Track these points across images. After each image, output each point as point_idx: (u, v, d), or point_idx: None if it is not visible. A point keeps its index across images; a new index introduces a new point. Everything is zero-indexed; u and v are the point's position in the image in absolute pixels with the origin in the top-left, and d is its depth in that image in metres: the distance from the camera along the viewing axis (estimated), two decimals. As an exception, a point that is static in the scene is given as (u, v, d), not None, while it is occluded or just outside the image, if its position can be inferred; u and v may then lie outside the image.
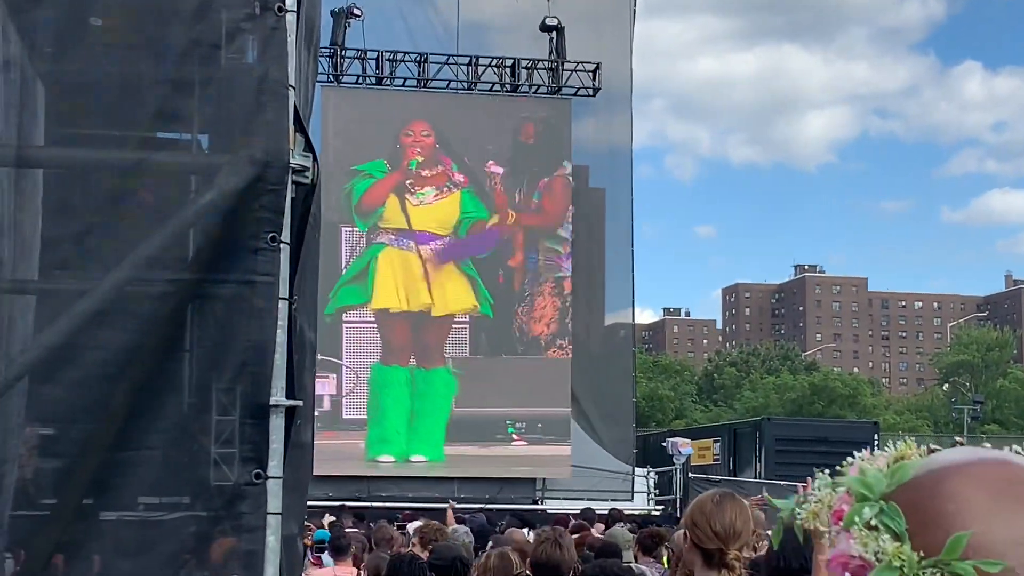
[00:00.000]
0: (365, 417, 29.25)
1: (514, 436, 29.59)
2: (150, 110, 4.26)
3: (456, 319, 29.83)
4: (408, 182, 30.05)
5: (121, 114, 4.30)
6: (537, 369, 29.89)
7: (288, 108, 4.17)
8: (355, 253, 29.77)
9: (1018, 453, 1.31)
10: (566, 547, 6.56)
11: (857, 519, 1.24)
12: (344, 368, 29.27)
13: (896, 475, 1.28)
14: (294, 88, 4.19)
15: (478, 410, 29.25)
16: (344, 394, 29.29)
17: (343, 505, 22.65)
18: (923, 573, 1.20)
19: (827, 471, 1.37)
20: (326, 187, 24.71)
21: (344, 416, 29.19)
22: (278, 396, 4.04)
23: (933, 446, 1.36)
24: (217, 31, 4.23)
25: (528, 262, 30.40)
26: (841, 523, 1.27)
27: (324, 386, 28.54)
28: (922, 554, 1.20)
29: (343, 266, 29.60)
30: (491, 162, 30.46)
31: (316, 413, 25.47)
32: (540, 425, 29.64)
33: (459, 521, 14.70)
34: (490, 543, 10.39)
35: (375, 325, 29.55)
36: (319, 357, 27.36)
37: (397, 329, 29.59)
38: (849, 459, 1.34)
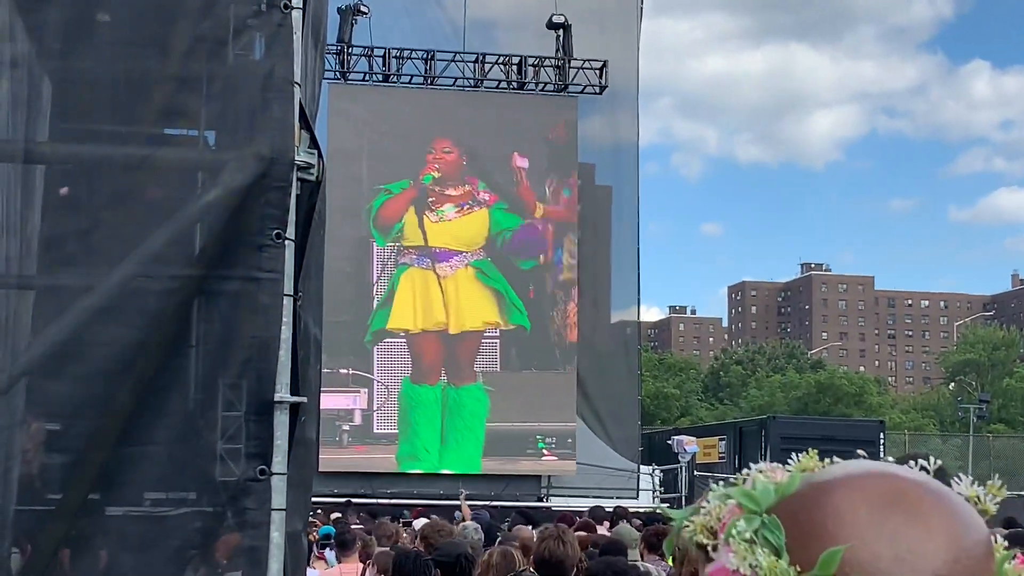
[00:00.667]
0: (396, 431, 29.40)
1: (544, 451, 29.62)
2: (156, 107, 4.27)
3: (487, 334, 29.86)
4: (429, 200, 30.13)
5: (127, 111, 4.31)
6: (567, 380, 30.05)
7: (294, 105, 4.17)
8: (385, 270, 29.87)
9: (911, 466, 1.28)
10: (569, 543, 6.57)
11: (735, 532, 1.21)
12: (375, 383, 29.38)
13: (783, 488, 1.24)
14: (300, 85, 4.20)
15: (509, 425, 29.35)
16: (375, 408, 29.39)
17: (348, 501, 22.69)
18: None
19: (721, 483, 1.34)
20: (352, 199, 24.80)
21: (375, 431, 29.33)
22: (282, 393, 4.05)
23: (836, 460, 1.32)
24: (223, 28, 4.24)
25: (555, 256, 30.46)
26: (723, 535, 1.23)
27: (355, 400, 28.78)
28: (798, 569, 1.17)
29: (372, 280, 29.72)
30: (515, 153, 30.46)
31: (347, 427, 25.69)
32: (570, 440, 29.72)
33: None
34: (498, 540, 10.41)
35: (404, 342, 29.65)
36: (350, 372, 27.48)
37: (424, 347, 29.65)
38: (746, 471, 1.30)
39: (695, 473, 31.00)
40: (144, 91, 4.25)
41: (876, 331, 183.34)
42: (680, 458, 31.29)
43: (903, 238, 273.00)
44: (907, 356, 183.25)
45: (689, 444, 31.81)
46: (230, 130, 4.34)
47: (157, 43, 4.24)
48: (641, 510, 25.03)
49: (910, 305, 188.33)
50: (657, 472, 31.74)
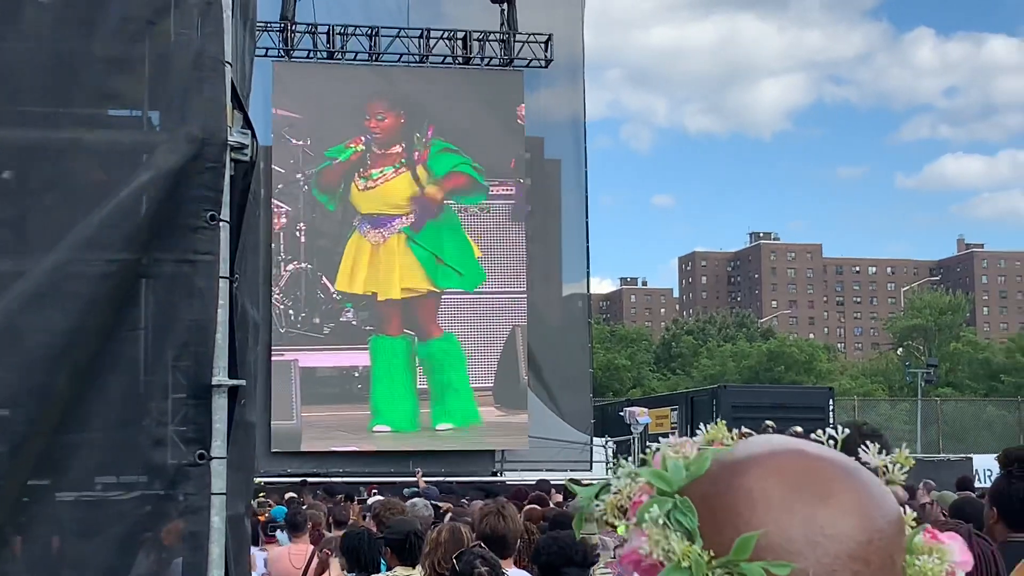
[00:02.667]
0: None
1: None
2: (85, 89, 4.21)
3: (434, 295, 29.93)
4: (360, 169, 30.08)
5: (56, 94, 4.25)
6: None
7: (225, 85, 4.13)
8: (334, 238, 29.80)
9: (816, 440, 1.27)
10: (510, 517, 6.61)
11: (647, 515, 1.18)
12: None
13: (694, 466, 1.22)
14: (231, 64, 4.15)
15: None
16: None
17: (304, 481, 22.64)
18: (712, 574, 1.15)
19: (629, 459, 1.31)
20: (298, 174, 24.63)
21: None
22: (220, 376, 4.02)
23: (745, 430, 1.30)
24: (152, 7, 4.18)
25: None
26: (635, 518, 1.21)
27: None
28: (712, 554, 1.15)
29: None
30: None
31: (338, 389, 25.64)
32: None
33: (418, 493, 14.71)
34: (448, 516, 10.42)
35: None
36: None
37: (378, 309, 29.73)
38: (655, 446, 1.27)
39: (648, 444, 31.09)
40: (72, 73, 4.19)
41: (825, 298, 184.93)
42: (633, 429, 31.42)
43: (851, 206, 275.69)
44: (855, 322, 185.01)
45: (641, 415, 31.94)
46: (161, 111, 4.29)
47: (84, 23, 4.18)
48: (595, 482, 25.15)
49: (858, 272, 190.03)
50: (610, 444, 31.88)
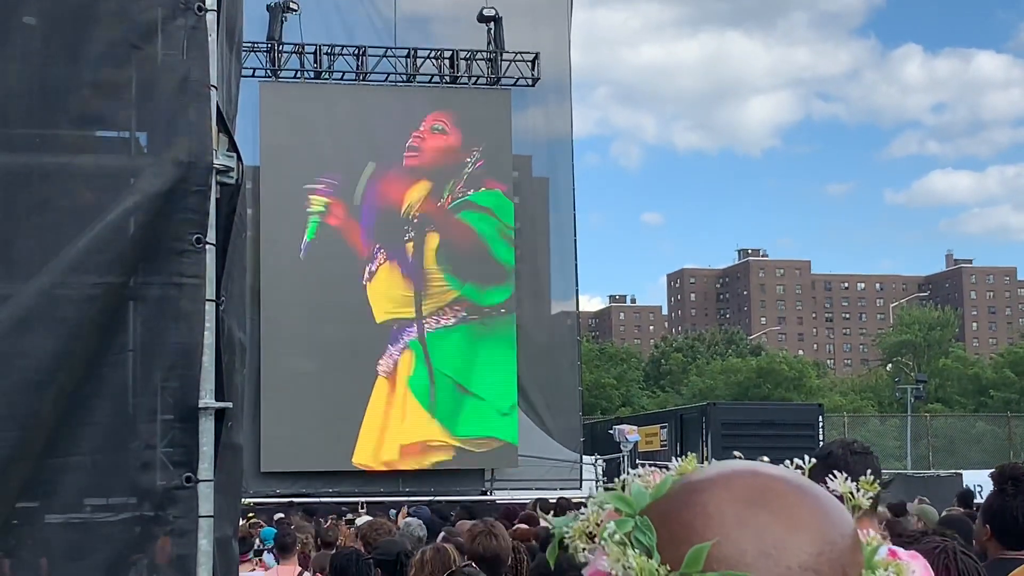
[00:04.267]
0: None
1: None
2: (71, 113, 4.22)
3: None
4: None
5: (43, 118, 4.26)
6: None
7: (211, 108, 4.14)
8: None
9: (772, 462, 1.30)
10: (500, 537, 6.61)
11: (607, 535, 1.23)
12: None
13: (656, 490, 1.27)
14: (216, 88, 4.16)
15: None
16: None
17: (291, 503, 22.62)
18: None
19: (601, 487, 1.34)
20: (288, 196, 24.62)
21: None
22: (207, 399, 4.02)
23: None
24: (138, 32, 4.19)
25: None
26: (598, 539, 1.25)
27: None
28: (668, 568, 1.19)
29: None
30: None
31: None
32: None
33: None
34: (441, 535, 10.41)
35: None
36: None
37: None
38: (624, 476, 1.32)
39: (637, 462, 31.08)
40: (59, 97, 4.20)
41: (814, 315, 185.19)
42: (622, 447, 31.43)
43: (840, 222, 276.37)
44: (845, 339, 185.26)
45: (631, 433, 31.96)
46: (147, 135, 4.30)
47: (70, 48, 4.19)
48: (585, 500, 25.15)
49: (846, 288, 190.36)
50: (600, 462, 31.87)
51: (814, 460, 1.34)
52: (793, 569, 1.18)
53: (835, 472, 1.35)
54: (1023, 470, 5.15)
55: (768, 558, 1.18)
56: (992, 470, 5.36)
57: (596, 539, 1.27)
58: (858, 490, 1.34)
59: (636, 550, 1.21)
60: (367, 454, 28.98)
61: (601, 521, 1.28)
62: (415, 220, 30.15)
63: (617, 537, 1.22)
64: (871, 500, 1.33)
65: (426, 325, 29.88)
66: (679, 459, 1.34)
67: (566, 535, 1.31)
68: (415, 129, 30.34)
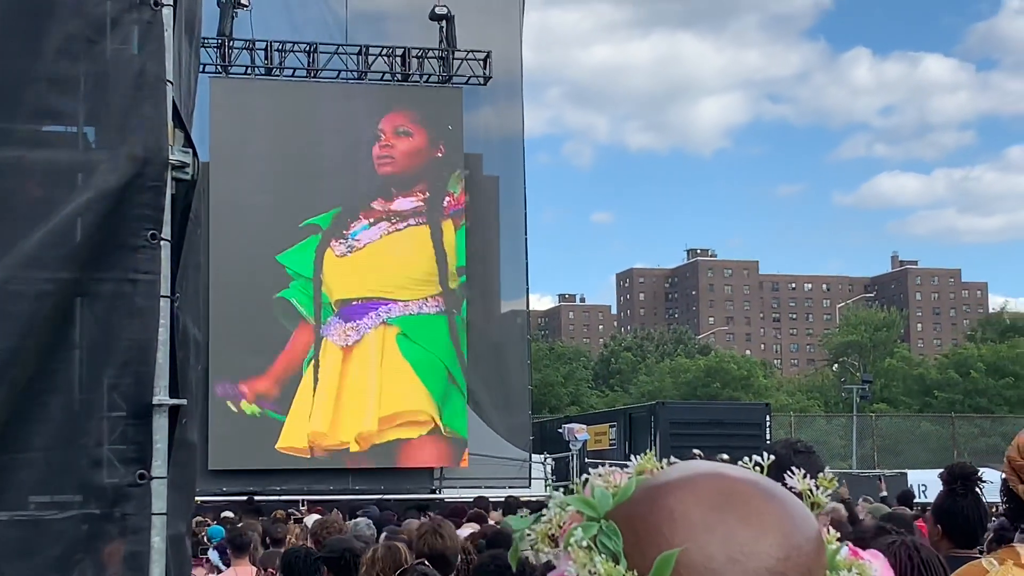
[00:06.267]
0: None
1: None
2: (26, 108, 4.19)
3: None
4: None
5: (-4, 112, 4.22)
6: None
7: (166, 103, 4.12)
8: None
9: (743, 466, 1.31)
10: (447, 536, 6.62)
11: (573, 540, 1.23)
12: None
13: (621, 493, 1.27)
14: (172, 83, 4.14)
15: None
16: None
17: (251, 499, 22.46)
18: None
19: (561, 490, 1.35)
20: (237, 193, 24.42)
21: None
22: (161, 395, 4.00)
23: (674, 460, 1.35)
24: (93, 26, 4.16)
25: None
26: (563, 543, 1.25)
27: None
28: (636, 573, 1.19)
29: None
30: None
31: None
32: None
33: (354, 514, 14.65)
34: (383, 535, 10.39)
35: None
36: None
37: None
38: (584, 476, 1.32)
39: (586, 460, 31.22)
40: (13, 92, 4.16)
41: (761, 315, 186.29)
42: (571, 446, 31.51)
43: (788, 223, 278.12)
44: (792, 339, 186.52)
45: (580, 432, 32.04)
46: (102, 130, 4.27)
47: (25, 42, 4.15)
48: (533, 499, 25.21)
49: (794, 288, 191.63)
50: (549, 461, 31.93)
51: (772, 459, 1.35)
52: (760, 573, 1.19)
53: (792, 469, 1.36)
54: (972, 470, 5.21)
55: (735, 564, 1.19)
56: (941, 470, 5.43)
57: (559, 542, 1.27)
58: (817, 487, 1.35)
59: (603, 555, 1.21)
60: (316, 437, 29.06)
61: (564, 523, 1.27)
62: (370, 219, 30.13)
63: (584, 542, 1.22)
64: (828, 498, 1.35)
65: (386, 311, 29.83)
66: (637, 457, 1.34)
67: (528, 537, 1.30)
68: (374, 133, 30.27)
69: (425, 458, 29.81)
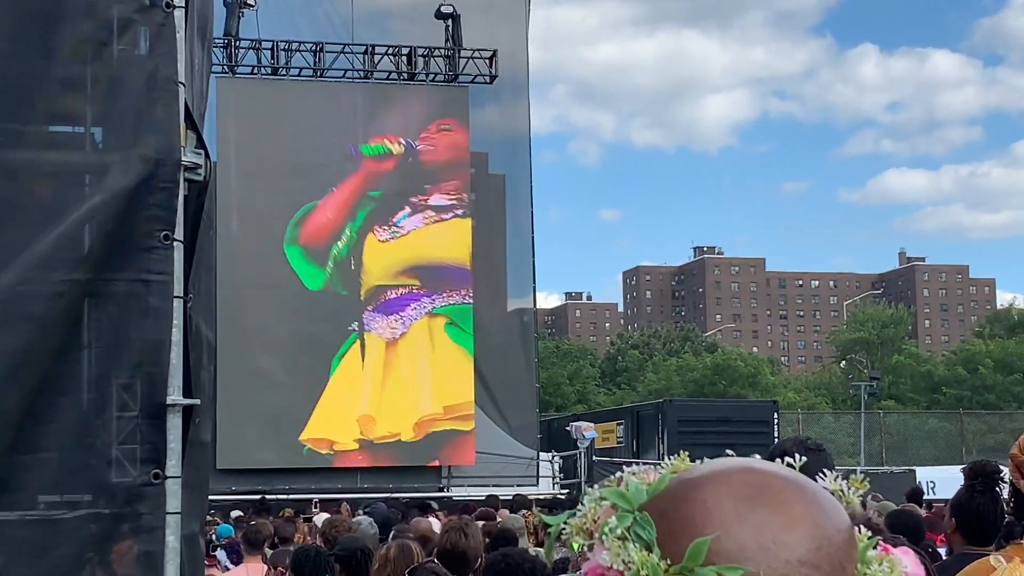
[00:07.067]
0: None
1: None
2: (39, 110, 4.22)
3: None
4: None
5: (10, 114, 4.25)
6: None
7: (179, 105, 4.14)
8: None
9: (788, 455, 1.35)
10: (472, 535, 6.62)
11: (607, 530, 1.26)
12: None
13: (654, 487, 1.30)
14: (184, 85, 4.17)
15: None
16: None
17: (263, 498, 22.48)
18: None
19: (597, 486, 1.38)
20: (247, 195, 24.31)
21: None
22: (175, 395, 4.03)
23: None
24: (106, 28, 4.19)
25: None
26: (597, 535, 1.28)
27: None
28: (669, 563, 1.22)
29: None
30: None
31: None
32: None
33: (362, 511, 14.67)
34: (392, 533, 10.41)
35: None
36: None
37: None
38: (618, 474, 1.35)
39: (594, 458, 31.22)
40: (27, 94, 4.19)
41: (768, 312, 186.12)
42: (579, 444, 31.46)
43: (795, 220, 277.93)
44: (799, 336, 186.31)
45: (587, 430, 31.99)
46: (115, 132, 4.29)
47: (38, 44, 4.18)
48: (541, 497, 25.23)
49: (800, 285, 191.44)
50: (557, 459, 31.92)
51: (804, 460, 1.37)
52: (792, 563, 1.22)
53: (824, 471, 1.38)
54: (994, 468, 5.22)
55: (767, 552, 1.22)
56: (964, 465, 5.44)
57: (594, 536, 1.30)
58: (849, 488, 1.38)
59: (637, 545, 1.24)
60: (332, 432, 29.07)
61: (599, 518, 1.30)
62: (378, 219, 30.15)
63: (618, 532, 1.25)
64: (859, 498, 1.37)
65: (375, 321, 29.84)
66: (671, 458, 1.37)
67: (563, 532, 1.33)
68: (369, 134, 30.30)
69: (432, 456, 29.81)
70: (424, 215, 30.20)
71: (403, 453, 29.29)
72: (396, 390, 29.51)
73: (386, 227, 29.90)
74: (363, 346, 29.59)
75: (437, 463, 29.88)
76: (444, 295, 30.07)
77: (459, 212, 30.47)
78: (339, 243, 29.78)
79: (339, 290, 29.57)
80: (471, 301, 30.26)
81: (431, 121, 30.58)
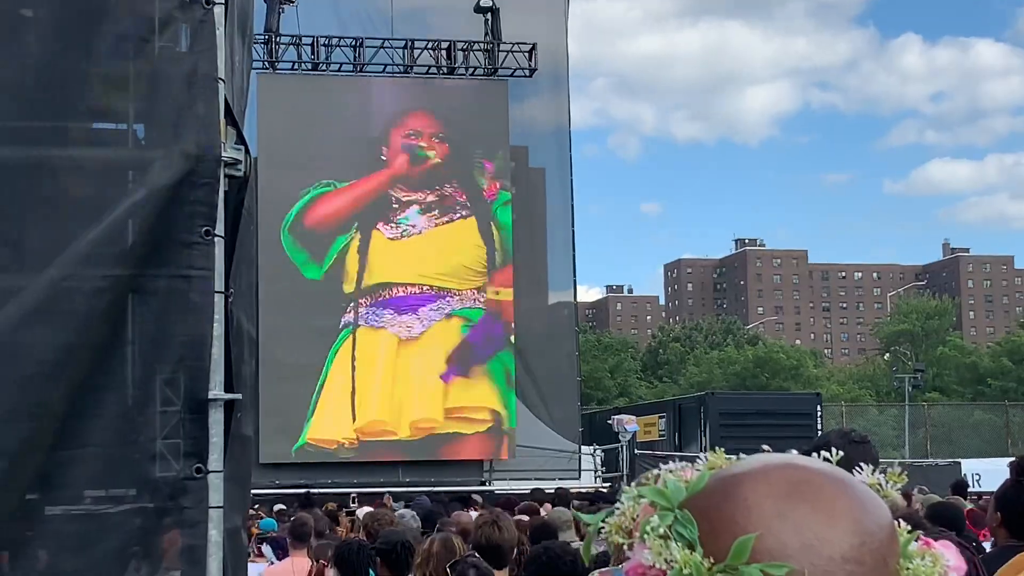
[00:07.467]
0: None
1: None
2: (80, 107, 4.24)
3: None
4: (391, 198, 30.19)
5: (52, 112, 4.28)
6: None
7: (219, 101, 4.16)
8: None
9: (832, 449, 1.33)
10: (505, 528, 6.64)
11: (649, 528, 1.25)
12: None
13: (694, 484, 1.29)
14: (224, 81, 4.18)
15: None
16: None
17: (308, 492, 22.56)
18: None
19: (634, 484, 1.37)
20: (287, 191, 24.42)
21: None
22: (216, 390, 4.05)
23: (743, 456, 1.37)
24: (146, 25, 4.21)
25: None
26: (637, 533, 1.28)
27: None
28: (711, 561, 1.21)
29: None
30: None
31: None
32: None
33: (405, 505, 14.71)
34: (437, 526, 10.43)
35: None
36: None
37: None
38: (655, 471, 1.34)
39: (636, 452, 31.17)
40: (68, 91, 4.22)
41: (811, 304, 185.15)
42: (621, 437, 31.42)
43: (837, 212, 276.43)
44: (842, 328, 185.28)
45: (629, 423, 31.95)
46: (156, 129, 4.32)
47: (79, 42, 4.21)
48: (583, 490, 25.21)
49: (843, 277, 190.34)
50: (598, 452, 31.90)
51: (841, 454, 1.36)
52: (835, 560, 1.21)
53: (861, 465, 1.37)
54: None
55: (810, 550, 1.21)
56: (1012, 459, 5.40)
57: (633, 534, 1.29)
58: (887, 482, 1.36)
59: (679, 543, 1.24)
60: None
61: (638, 516, 1.30)
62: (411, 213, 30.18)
63: (660, 531, 1.24)
64: (898, 492, 1.36)
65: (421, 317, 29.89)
66: (707, 454, 1.36)
67: (602, 530, 1.33)
68: (409, 128, 30.34)
69: (475, 451, 29.86)
70: (435, 215, 30.23)
71: (428, 448, 29.39)
72: (412, 389, 29.58)
73: (396, 224, 29.94)
74: (353, 341, 29.63)
75: (479, 457, 29.95)
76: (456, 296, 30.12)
77: (466, 212, 30.47)
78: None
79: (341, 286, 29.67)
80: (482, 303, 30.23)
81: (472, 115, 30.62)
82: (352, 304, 29.62)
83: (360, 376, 29.38)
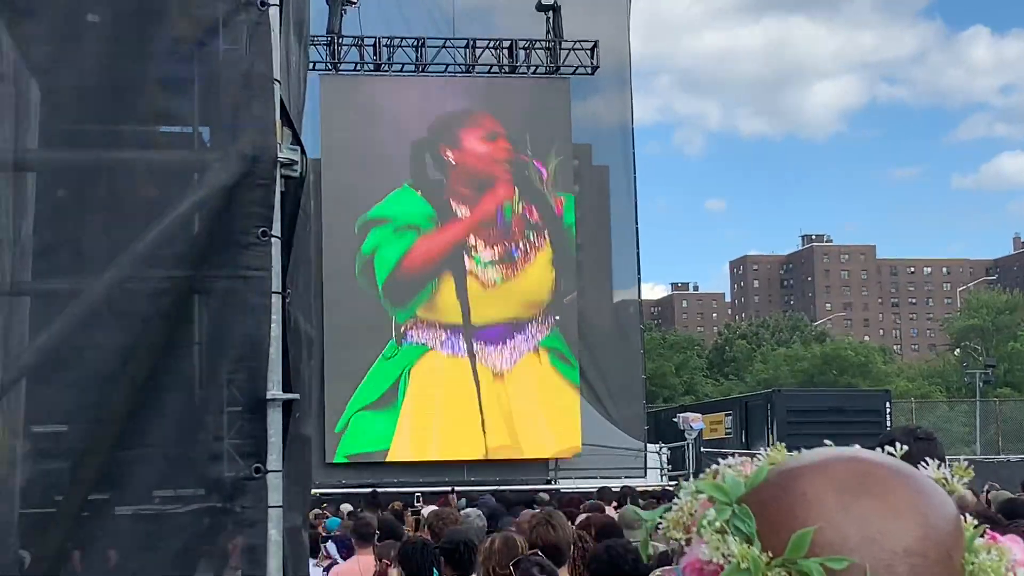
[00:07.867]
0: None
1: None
2: (139, 110, 4.28)
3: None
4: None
5: (112, 115, 4.32)
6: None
7: (275, 102, 4.18)
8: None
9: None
10: (559, 527, 6.62)
11: (706, 523, 1.24)
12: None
13: (752, 479, 1.27)
14: (280, 82, 4.20)
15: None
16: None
17: (374, 492, 22.67)
18: (771, 573, 1.19)
19: (691, 479, 1.35)
20: (349, 193, 24.50)
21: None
22: (274, 390, 4.06)
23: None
24: (202, 28, 4.24)
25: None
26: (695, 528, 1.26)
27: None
28: (770, 555, 1.20)
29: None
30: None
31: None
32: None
33: (470, 504, 14.72)
34: (500, 526, 10.43)
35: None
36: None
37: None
38: (713, 467, 1.33)
39: (702, 450, 31.01)
40: (126, 94, 4.26)
41: (879, 300, 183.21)
42: (686, 435, 31.28)
43: (906, 206, 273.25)
44: (911, 324, 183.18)
45: (695, 421, 31.80)
46: (213, 130, 4.35)
47: (138, 46, 4.24)
48: (650, 489, 25.12)
49: (912, 272, 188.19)
50: (664, 450, 31.77)
51: (904, 449, 1.33)
52: (898, 554, 1.19)
53: (926, 460, 1.34)
54: None
55: (873, 543, 1.19)
56: None
57: (691, 529, 1.28)
58: (953, 476, 1.34)
59: (736, 538, 1.22)
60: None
61: (696, 511, 1.28)
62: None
63: (717, 525, 1.23)
64: (965, 486, 1.34)
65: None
66: (766, 449, 1.34)
67: (659, 526, 1.31)
68: (471, 127, 30.36)
69: (540, 449, 29.86)
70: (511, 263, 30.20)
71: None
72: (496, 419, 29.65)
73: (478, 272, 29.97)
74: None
75: (545, 456, 29.96)
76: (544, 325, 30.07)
77: (539, 242, 30.45)
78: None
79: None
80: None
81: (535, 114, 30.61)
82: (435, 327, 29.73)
83: (440, 400, 29.48)
